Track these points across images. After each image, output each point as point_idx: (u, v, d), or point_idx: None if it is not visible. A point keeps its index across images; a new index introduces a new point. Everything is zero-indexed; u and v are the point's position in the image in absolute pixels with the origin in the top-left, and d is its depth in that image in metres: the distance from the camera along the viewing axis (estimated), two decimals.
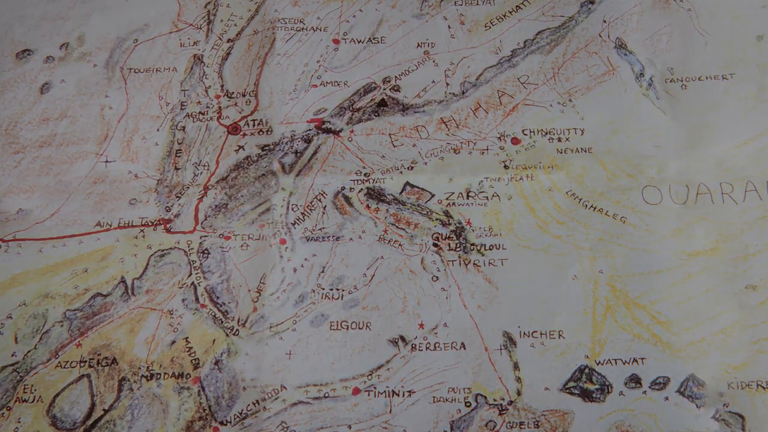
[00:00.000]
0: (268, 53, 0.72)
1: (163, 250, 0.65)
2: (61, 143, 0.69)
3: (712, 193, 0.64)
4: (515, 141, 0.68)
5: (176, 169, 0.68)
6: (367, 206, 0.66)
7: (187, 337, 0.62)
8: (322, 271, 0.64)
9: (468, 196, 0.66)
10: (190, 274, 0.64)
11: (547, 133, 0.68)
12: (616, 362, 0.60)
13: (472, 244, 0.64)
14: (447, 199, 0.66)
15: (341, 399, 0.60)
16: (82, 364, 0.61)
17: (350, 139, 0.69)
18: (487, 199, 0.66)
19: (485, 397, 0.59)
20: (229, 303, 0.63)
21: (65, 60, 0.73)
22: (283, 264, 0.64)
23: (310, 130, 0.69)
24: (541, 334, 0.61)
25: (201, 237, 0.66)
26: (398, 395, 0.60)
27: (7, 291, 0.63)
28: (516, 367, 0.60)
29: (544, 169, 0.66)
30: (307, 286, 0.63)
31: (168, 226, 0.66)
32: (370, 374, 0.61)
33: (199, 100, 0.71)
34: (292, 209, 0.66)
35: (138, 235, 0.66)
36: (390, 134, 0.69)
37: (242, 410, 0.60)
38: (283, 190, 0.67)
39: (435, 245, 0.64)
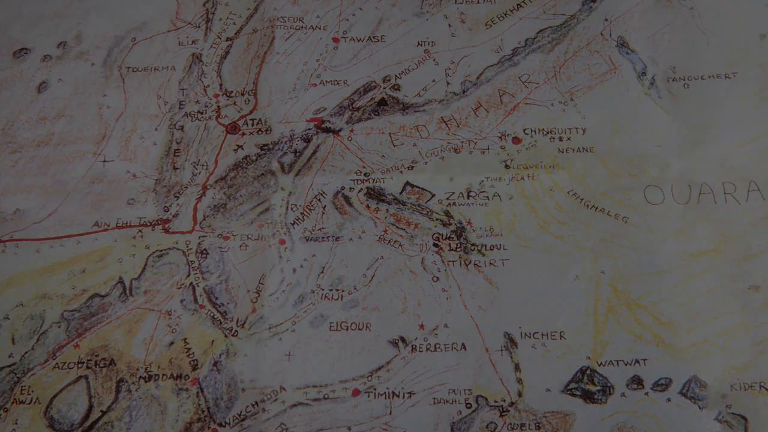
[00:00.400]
0: (267, 52, 0.72)
1: (161, 251, 0.65)
2: (59, 143, 0.69)
3: (714, 193, 0.64)
4: (516, 140, 0.67)
5: (174, 168, 0.68)
6: (367, 206, 0.66)
7: (186, 338, 0.62)
8: (322, 272, 0.64)
9: (469, 196, 0.66)
10: (189, 275, 0.64)
11: (548, 133, 0.67)
12: (617, 363, 0.60)
13: (473, 245, 0.64)
14: (447, 199, 0.66)
15: (341, 400, 0.60)
16: (79, 365, 0.61)
17: (350, 139, 0.68)
18: (488, 198, 0.65)
19: (486, 399, 0.59)
20: (227, 304, 0.63)
21: (63, 59, 0.72)
22: (282, 264, 0.64)
23: (309, 129, 0.69)
24: (543, 335, 0.61)
25: (199, 237, 0.65)
26: (398, 396, 0.59)
27: (4, 291, 0.63)
28: (517, 368, 0.60)
29: (546, 168, 0.66)
30: (307, 286, 0.63)
31: (166, 226, 0.66)
32: (370, 375, 0.60)
33: (198, 99, 0.71)
34: (292, 209, 0.66)
35: (136, 236, 0.65)
36: (390, 133, 0.69)
37: (241, 411, 0.59)
38: (282, 190, 0.67)
39: (435, 245, 0.64)
